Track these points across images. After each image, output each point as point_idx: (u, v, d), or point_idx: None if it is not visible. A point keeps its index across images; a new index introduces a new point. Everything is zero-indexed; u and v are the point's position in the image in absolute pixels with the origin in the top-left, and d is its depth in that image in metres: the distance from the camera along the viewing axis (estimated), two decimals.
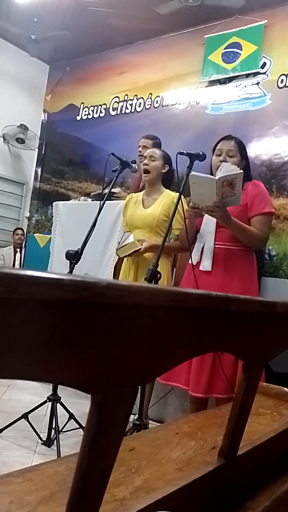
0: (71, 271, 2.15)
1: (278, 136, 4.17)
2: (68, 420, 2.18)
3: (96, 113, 5.53)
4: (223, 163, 2.07)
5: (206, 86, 4.65)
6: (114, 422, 0.43)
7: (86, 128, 5.60)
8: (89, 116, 5.60)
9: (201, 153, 2.09)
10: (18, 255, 5.33)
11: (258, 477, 0.75)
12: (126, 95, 5.26)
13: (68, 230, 3.36)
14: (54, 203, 3.73)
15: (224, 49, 4.51)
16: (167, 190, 2.46)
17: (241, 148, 2.17)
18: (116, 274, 2.80)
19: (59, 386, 2.18)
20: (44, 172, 6.02)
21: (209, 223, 2.12)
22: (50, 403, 2.15)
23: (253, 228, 2.07)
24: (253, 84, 4.37)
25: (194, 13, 4.48)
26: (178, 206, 2.04)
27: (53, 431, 2.06)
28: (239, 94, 4.44)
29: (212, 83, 4.62)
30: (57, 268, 3.35)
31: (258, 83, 4.35)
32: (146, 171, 2.42)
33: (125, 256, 2.39)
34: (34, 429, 2.07)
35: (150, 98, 5.07)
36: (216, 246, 2.10)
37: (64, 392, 2.20)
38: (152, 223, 2.38)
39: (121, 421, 0.44)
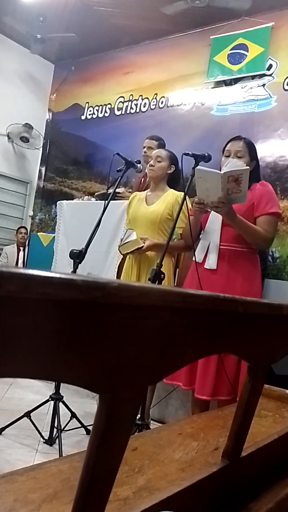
0: (74, 271, 2.15)
1: (283, 138, 4.17)
2: (70, 419, 2.18)
3: (101, 112, 5.54)
4: (230, 158, 2.07)
5: (212, 88, 4.65)
6: (122, 421, 0.43)
7: (91, 127, 5.61)
8: (94, 116, 5.61)
9: (206, 154, 2.08)
10: (21, 253, 5.34)
11: (261, 478, 0.75)
12: (131, 95, 5.26)
13: (72, 230, 3.36)
14: (58, 202, 3.73)
15: (230, 50, 4.51)
16: (171, 189, 2.46)
17: (250, 149, 2.16)
18: (119, 273, 2.80)
19: (61, 385, 2.19)
20: (48, 171, 6.03)
21: (215, 220, 2.11)
22: (52, 402, 2.15)
23: (259, 228, 2.06)
24: (258, 86, 4.37)
25: (200, 14, 4.48)
26: (184, 208, 2.04)
27: (55, 430, 2.07)
28: (245, 96, 4.44)
29: (217, 84, 4.62)
30: (60, 267, 3.35)
31: (263, 85, 4.35)
32: (152, 171, 2.42)
33: (127, 253, 2.39)
34: (36, 428, 2.07)
35: (155, 98, 5.07)
36: (220, 246, 2.09)
37: (66, 391, 2.20)
38: (155, 220, 2.37)
39: (128, 421, 0.44)
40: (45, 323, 0.31)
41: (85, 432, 2.16)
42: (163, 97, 5.01)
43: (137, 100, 5.22)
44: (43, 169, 6.07)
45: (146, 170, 2.69)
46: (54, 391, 2.18)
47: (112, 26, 5.01)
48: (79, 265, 2.16)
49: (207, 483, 0.67)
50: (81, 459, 0.45)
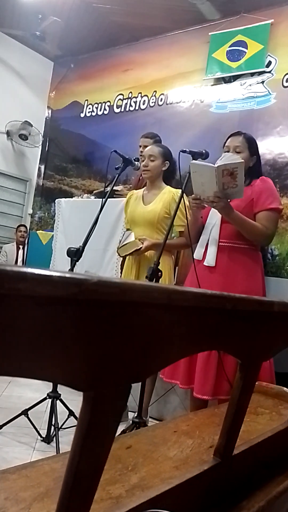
0: (72, 269, 2.15)
1: (282, 135, 4.15)
2: (68, 417, 2.18)
3: (100, 110, 5.52)
4: (225, 153, 2.05)
5: (212, 85, 4.63)
6: (106, 419, 0.43)
7: (90, 125, 5.59)
8: (93, 114, 5.59)
9: (203, 151, 2.07)
10: (20, 251, 5.34)
11: (254, 476, 0.74)
12: (130, 92, 5.25)
13: (70, 227, 3.36)
14: (56, 200, 3.73)
15: (229, 47, 4.49)
16: (168, 186, 2.44)
17: (250, 144, 2.13)
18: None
19: (54, 383, 2.19)
20: (47, 169, 6.02)
21: (214, 216, 2.10)
22: (50, 400, 2.15)
23: (257, 223, 2.03)
24: (257, 83, 4.35)
25: (199, 11, 4.46)
26: (181, 205, 2.03)
27: (52, 428, 2.06)
28: (244, 93, 4.42)
29: (216, 81, 4.60)
30: (59, 266, 3.35)
31: (263, 82, 4.33)
32: (146, 171, 2.41)
33: (126, 255, 2.38)
34: (33, 426, 2.07)
35: (155, 95, 5.05)
36: (220, 243, 2.07)
37: (64, 389, 2.19)
38: (153, 220, 2.37)
39: (113, 418, 0.43)
40: (23, 320, 0.31)
41: None
42: (162, 94, 5.00)
43: (136, 97, 5.20)
44: (42, 167, 6.06)
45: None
46: (52, 389, 2.18)
47: (112, 24, 4.99)
48: (77, 263, 2.16)
49: (199, 481, 0.67)
50: None
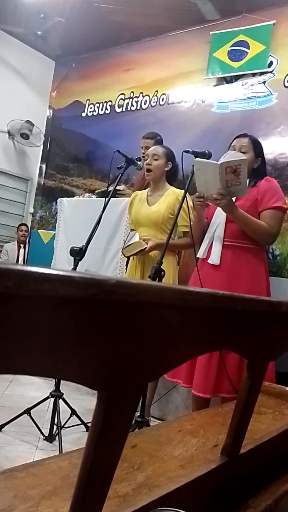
0: (75, 268, 2.15)
1: (283, 135, 4.16)
2: (70, 416, 2.19)
3: (102, 110, 5.53)
4: (229, 151, 2.06)
5: (214, 85, 4.63)
6: (120, 418, 0.43)
7: (91, 124, 5.60)
8: (95, 113, 5.60)
9: (206, 151, 2.08)
10: (21, 250, 5.34)
11: (260, 475, 0.75)
12: (132, 92, 5.25)
13: (71, 227, 3.36)
14: (58, 199, 3.73)
15: (231, 47, 4.49)
16: (172, 187, 2.45)
17: (255, 146, 2.16)
18: None
19: (61, 382, 2.19)
20: (48, 168, 6.02)
21: (219, 215, 2.10)
22: (52, 399, 2.16)
23: (261, 222, 2.04)
24: (259, 83, 4.36)
25: (201, 10, 4.46)
26: (184, 204, 2.03)
27: (55, 427, 2.07)
28: (245, 93, 4.42)
29: (218, 81, 4.61)
30: (59, 265, 3.35)
31: (264, 82, 4.34)
32: (149, 170, 2.42)
33: (131, 255, 2.39)
34: (36, 425, 2.08)
35: (156, 95, 5.06)
36: (225, 242, 2.07)
37: (67, 388, 2.20)
38: (157, 220, 2.37)
39: (127, 417, 0.44)
40: (43, 320, 0.31)
41: (85, 429, 2.16)
42: (163, 94, 5.00)
43: (137, 97, 5.21)
44: (44, 166, 6.06)
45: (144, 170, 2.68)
46: (54, 388, 2.18)
47: (113, 23, 4.99)
48: (79, 262, 2.16)
49: (206, 480, 0.67)
50: (81, 456, 0.45)
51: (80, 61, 5.85)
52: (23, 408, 2.12)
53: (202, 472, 0.66)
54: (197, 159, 1.97)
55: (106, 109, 5.48)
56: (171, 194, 2.40)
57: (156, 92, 5.06)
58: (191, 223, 2.16)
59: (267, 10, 4.29)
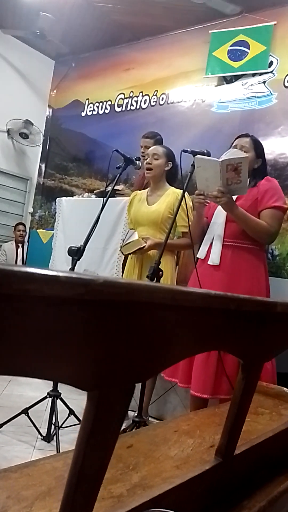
0: (73, 268, 2.15)
1: (283, 135, 4.16)
2: (68, 416, 2.18)
3: (101, 109, 5.52)
4: (230, 149, 2.06)
5: (213, 85, 4.63)
6: (110, 419, 0.43)
7: (91, 124, 5.59)
8: (94, 112, 5.59)
9: (205, 151, 2.08)
10: (20, 250, 5.32)
11: (255, 476, 0.75)
12: (132, 91, 5.25)
13: (70, 226, 3.36)
14: (57, 199, 3.73)
15: (230, 46, 4.49)
16: (172, 187, 2.45)
17: (256, 146, 2.16)
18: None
19: (59, 382, 2.19)
20: (48, 168, 6.01)
21: (219, 214, 2.10)
22: (50, 399, 2.15)
23: (261, 221, 2.04)
24: (259, 83, 4.35)
25: (201, 10, 4.46)
26: (182, 203, 2.03)
27: (53, 427, 2.07)
28: (245, 93, 4.42)
29: (218, 81, 4.60)
30: (58, 264, 3.35)
31: (264, 82, 4.33)
32: (149, 169, 2.42)
33: (130, 254, 2.39)
34: (34, 425, 2.07)
35: (156, 95, 5.05)
36: (225, 242, 2.07)
37: (65, 388, 2.20)
38: (156, 220, 2.37)
39: (117, 418, 0.44)
40: (30, 320, 0.31)
41: None
42: (163, 93, 4.99)
43: (137, 96, 5.20)
44: (43, 165, 6.05)
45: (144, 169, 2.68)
46: (52, 388, 2.18)
47: (113, 23, 4.98)
48: (77, 262, 2.16)
49: (200, 481, 0.67)
50: None
51: (79, 60, 5.84)
52: (21, 408, 2.11)
53: (196, 473, 0.66)
54: (198, 156, 1.96)
55: (106, 108, 5.48)
56: (171, 194, 2.40)
57: (156, 92, 5.06)
58: (190, 222, 2.15)
59: (268, 10, 4.28)
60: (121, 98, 5.34)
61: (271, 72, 4.29)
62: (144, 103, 5.13)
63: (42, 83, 5.98)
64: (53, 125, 6.04)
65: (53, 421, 2.07)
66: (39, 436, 2.07)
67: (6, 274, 0.27)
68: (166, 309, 0.42)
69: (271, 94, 4.26)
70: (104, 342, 0.38)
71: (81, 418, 1.69)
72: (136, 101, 5.20)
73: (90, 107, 5.63)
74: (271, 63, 4.29)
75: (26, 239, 5.39)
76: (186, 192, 2.10)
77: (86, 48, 5.55)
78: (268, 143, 4.18)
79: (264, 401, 1.39)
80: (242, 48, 4.43)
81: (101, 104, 5.53)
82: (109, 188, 2.31)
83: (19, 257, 5.26)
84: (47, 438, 2.06)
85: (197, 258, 2.14)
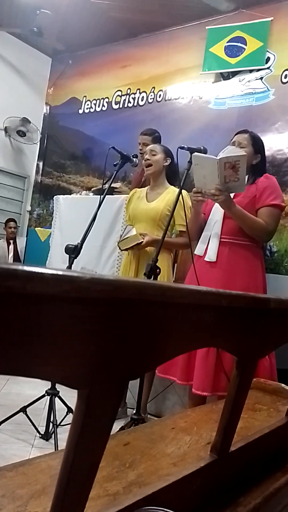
0: (70, 266, 2.14)
1: (281, 131, 4.15)
2: (67, 414, 2.18)
3: (99, 106, 5.51)
4: (228, 146, 2.05)
5: (210, 81, 4.62)
6: (101, 417, 0.42)
7: (89, 121, 5.58)
8: (92, 110, 5.58)
9: (202, 147, 2.07)
10: (11, 247, 5.27)
11: (251, 473, 0.74)
12: (129, 88, 5.23)
13: (67, 224, 3.35)
14: (54, 197, 3.72)
15: (227, 42, 4.47)
16: (172, 186, 2.45)
17: (255, 141, 2.16)
18: None
19: (48, 381, 2.18)
20: (45, 165, 6.00)
21: (217, 211, 2.10)
22: (48, 397, 2.15)
23: (258, 219, 2.04)
24: (256, 79, 4.34)
25: (198, 6, 4.44)
26: (181, 200, 2.03)
27: (51, 425, 2.07)
28: (242, 89, 4.41)
29: (215, 77, 4.59)
30: (55, 262, 3.34)
31: (261, 78, 4.32)
32: (148, 165, 2.42)
33: (127, 249, 2.39)
34: (32, 423, 2.07)
35: (153, 92, 5.04)
36: (222, 239, 2.07)
37: (63, 386, 2.20)
38: (155, 217, 2.37)
39: (108, 416, 0.43)
40: (16, 318, 0.31)
41: None
42: (160, 90, 4.98)
43: (134, 93, 5.19)
44: (41, 163, 6.04)
45: (143, 166, 2.68)
46: (50, 386, 2.18)
47: (110, 19, 4.96)
48: (74, 260, 2.15)
49: (195, 478, 0.67)
50: None
51: (76, 57, 5.82)
52: (19, 406, 2.11)
53: (191, 470, 0.66)
54: (196, 154, 1.96)
55: (103, 105, 5.46)
56: (171, 192, 2.40)
57: (153, 89, 5.04)
58: (187, 220, 2.15)
59: (264, 6, 4.27)
60: (118, 95, 5.32)
61: (268, 68, 4.27)
62: (142, 100, 5.12)
63: (39, 80, 5.95)
64: (50, 123, 6.02)
65: (51, 419, 2.07)
66: (37, 434, 2.07)
67: None
68: (156, 306, 0.41)
69: (269, 90, 4.25)
70: (93, 340, 0.37)
71: None
72: (134, 98, 5.18)
73: (88, 105, 5.62)
74: (268, 59, 4.28)
75: (24, 235, 5.36)
76: (185, 191, 2.10)
77: (83, 45, 5.53)
78: (266, 140, 4.15)
79: (262, 397, 1.38)
80: (239, 44, 4.41)
81: (98, 101, 5.51)
82: (107, 186, 2.31)
83: (11, 254, 5.22)
84: (45, 436, 2.06)
85: (195, 255, 2.14)
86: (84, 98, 5.66)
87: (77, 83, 5.78)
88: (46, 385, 2.25)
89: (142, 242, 2.26)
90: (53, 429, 2.04)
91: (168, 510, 0.54)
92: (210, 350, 1.95)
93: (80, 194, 4.25)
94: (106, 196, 2.27)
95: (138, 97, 5.15)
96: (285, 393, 1.41)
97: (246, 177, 2.00)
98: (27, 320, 0.31)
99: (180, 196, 2.03)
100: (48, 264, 3.36)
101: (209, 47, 4.56)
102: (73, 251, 2.11)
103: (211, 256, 2.05)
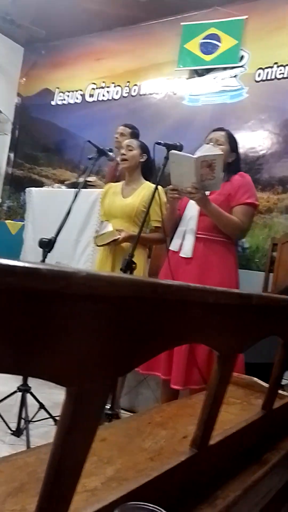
0: (43, 260, 2.11)
1: (254, 130, 4.21)
2: (38, 410, 2.16)
3: (72, 99, 5.43)
4: (204, 144, 2.07)
5: (187, 78, 4.63)
6: (89, 414, 0.42)
7: (62, 113, 5.49)
8: (65, 102, 5.50)
9: (178, 144, 2.08)
10: None
11: (229, 466, 0.76)
12: (103, 82, 5.18)
13: (40, 218, 3.30)
14: (27, 189, 3.65)
15: (202, 39, 4.49)
16: (147, 182, 2.45)
17: (231, 140, 2.19)
18: None
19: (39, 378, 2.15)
20: (17, 157, 5.88)
21: (192, 207, 2.11)
22: (20, 393, 2.12)
23: (233, 217, 2.07)
24: (230, 77, 4.38)
25: (173, 2, 4.44)
26: (156, 196, 2.03)
27: (22, 421, 2.04)
28: (217, 87, 4.44)
29: (189, 74, 4.61)
30: (29, 256, 3.29)
31: (235, 76, 4.37)
32: (124, 160, 2.41)
33: (103, 245, 2.38)
34: (3, 419, 2.04)
35: (128, 86, 5.01)
36: (197, 235, 2.09)
37: (34, 382, 2.17)
38: (130, 213, 2.37)
39: (96, 413, 0.43)
40: (9, 314, 0.30)
41: (53, 423, 2.14)
42: (135, 85, 4.96)
43: (109, 87, 5.15)
44: (12, 155, 5.91)
45: (118, 159, 2.67)
46: (22, 383, 2.15)
47: (85, 11, 4.89)
48: (48, 254, 2.12)
49: (176, 472, 0.67)
50: (48, 451, 0.44)
51: (50, 48, 5.71)
52: None
53: (172, 465, 0.66)
54: (173, 151, 1.96)
55: (77, 98, 5.39)
56: (146, 188, 2.40)
57: (128, 83, 5.01)
58: (163, 216, 2.16)
59: (239, 4, 4.31)
60: (92, 88, 5.26)
61: (242, 66, 4.32)
62: (116, 94, 5.09)
63: (11, 70, 5.81)
64: (22, 114, 5.90)
65: (23, 416, 2.04)
66: (9, 431, 2.04)
67: None
68: (146, 303, 0.41)
69: (243, 88, 4.30)
70: (84, 336, 0.37)
71: (51, 412, 1.68)
72: (108, 92, 5.14)
73: (61, 96, 5.53)
74: (242, 57, 4.33)
75: None
76: (160, 186, 2.10)
77: (57, 36, 5.42)
78: (239, 138, 4.19)
79: (235, 391, 1.41)
80: (214, 42, 4.44)
81: (71, 93, 5.43)
82: (81, 179, 2.29)
83: None
84: (17, 432, 2.04)
85: (169, 250, 2.15)
86: (57, 89, 5.57)
87: (50, 74, 5.68)
88: (17, 381, 2.22)
89: (119, 238, 2.26)
90: (25, 426, 2.01)
91: (152, 505, 0.55)
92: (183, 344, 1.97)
93: (53, 187, 4.19)
94: (81, 189, 2.24)
95: (113, 91, 5.11)
96: (257, 387, 1.44)
97: (222, 174, 2.02)
98: (22, 316, 0.31)
99: (156, 192, 2.03)
100: (22, 258, 3.30)
101: (184, 43, 4.57)
102: (47, 245, 2.08)
103: (186, 252, 2.07)
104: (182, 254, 2.08)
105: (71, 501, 0.47)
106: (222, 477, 0.72)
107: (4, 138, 5.77)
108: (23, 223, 3.67)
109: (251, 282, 3.92)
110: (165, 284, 0.41)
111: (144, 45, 4.92)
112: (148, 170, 2.47)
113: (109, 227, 2.34)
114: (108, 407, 1.99)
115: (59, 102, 5.54)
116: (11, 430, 2.04)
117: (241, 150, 4.22)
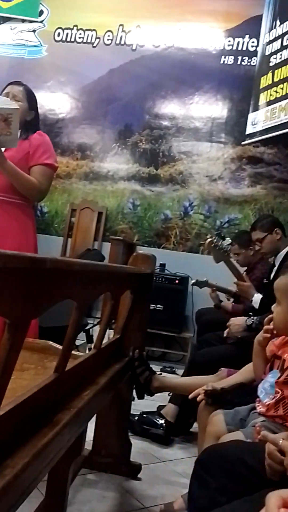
0: None
1: (53, 91, 4.13)
2: None
3: None
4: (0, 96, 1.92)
5: None
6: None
7: None
8: None
9: None
10: None
11: (20, 434, 0.74)
12: None
13: None
14: None
15: None
16: None
17: (30, 97, 2.09)
18: None
19: None
20: None
21: None
22: None
23: (31, 177, 1.99)
24: (29, 31, 4.17)
25: None
26: None
27: None
28: (14, 38, 4.18)
29: None
30: None
31: (34, 31, 4.17)
32: None
33: None
34: None
35: None
36: None
37: None
38: None
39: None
40: None
41: None
42: None
43: None
44: None
45: None
46: None
47: None
48: None
49: None
50: None
51: None
52: None
53: None
54: None
55: None
56: None
57: None
58: None
59: None
60: None
61: (41, 22, 4.15)
62: None
63: None
64: None
65: None
66: None
67: None
68: None
69: (41, 45, 4.15)
70: None
71: None
72: None
73: None
74: (42, 12, 4.15)
75: None
76: None
77: None
78: (38, 97, 4.05)
79: (29, 356, 1.39)
80: None
81: None
82: None
83: None
84: None
85: None
86: None
87: None
88: None
89: None
90: None
91: None
92: None
93: None
94: None
95: None
96: (52, 350, 1.45)
97: (19, 132, 1.92)
98: None
99: None
100: None
101: None
102: None
103: None
104: None
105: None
106: (12, 446, 0.70)
107: None
108: None
109: (50, 247, 3.94)
110: None
111: None
112: None
113: None
114: None
115: None
116: None
117: (40, 110, 4.12)
